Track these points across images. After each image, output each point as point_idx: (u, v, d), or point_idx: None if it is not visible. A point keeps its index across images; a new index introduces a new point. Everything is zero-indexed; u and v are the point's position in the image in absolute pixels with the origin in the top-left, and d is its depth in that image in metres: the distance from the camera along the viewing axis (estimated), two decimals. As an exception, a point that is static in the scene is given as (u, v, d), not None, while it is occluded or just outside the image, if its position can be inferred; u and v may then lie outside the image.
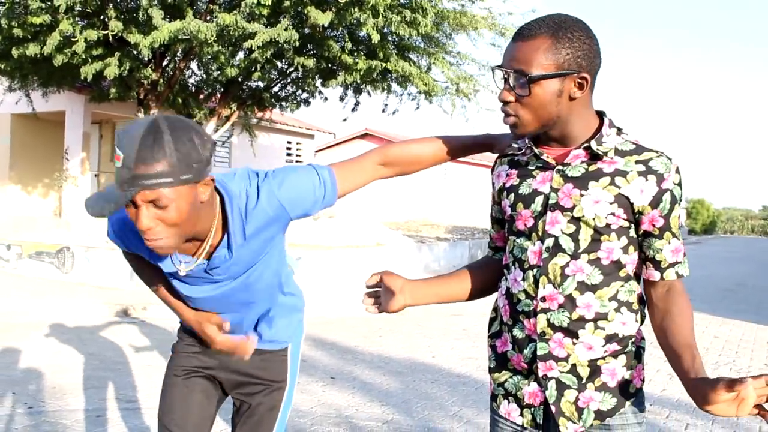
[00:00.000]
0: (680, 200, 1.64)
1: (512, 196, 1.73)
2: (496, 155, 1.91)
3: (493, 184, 1.85)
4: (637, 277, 1.71)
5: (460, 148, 1.99)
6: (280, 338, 2.20)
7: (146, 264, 2.03)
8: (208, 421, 2.22)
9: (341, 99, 12.28)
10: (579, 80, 1.59)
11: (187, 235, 1.74)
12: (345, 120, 13.04)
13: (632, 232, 1.64)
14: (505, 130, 1.77)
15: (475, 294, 1.95)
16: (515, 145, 1.77)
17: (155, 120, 1.63)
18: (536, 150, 1.68)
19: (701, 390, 1.43)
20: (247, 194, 1.83)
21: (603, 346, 1.64)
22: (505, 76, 1.62)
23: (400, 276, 1.89)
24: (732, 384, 1.34)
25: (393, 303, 1.85)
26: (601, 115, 1.70)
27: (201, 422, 2.18)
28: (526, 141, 1.72)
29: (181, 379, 2.18)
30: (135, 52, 10.01)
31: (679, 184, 1.62)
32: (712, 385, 1.38)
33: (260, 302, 2.10)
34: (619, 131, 1.67)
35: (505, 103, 1.64)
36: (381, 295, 1.89)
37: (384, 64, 9.91)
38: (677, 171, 1.62)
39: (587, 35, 1.60)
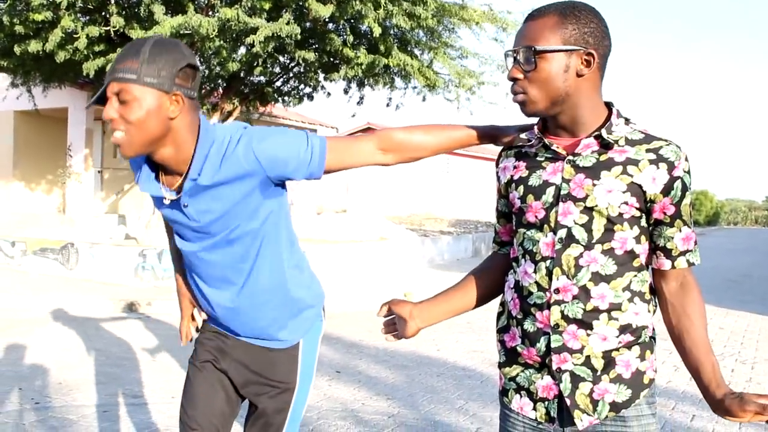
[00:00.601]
0: (690, 188, 1.64)
1: (521, 188, 1.72)
2: (500, 148, 1.90)
3: (499, 177, 1.84)
4: (649, 267, 1.71)
5: (465, 138, 1.97)
6: (286, 338, 2.16)
7: (172, 235, 2.16)
8: (229, 418, 2.18)
9: (346, 92, 12.26)
10: (586, 57, 1.60)
11: (146, 144, 1.82)
12: (354, 116, 13.02)
13: (643, 222, 1.64)
14: (512, 121, 1.77)
15: (483, 300, 1.97)
16: (523, 137, 1.76)
17: (157, 35, 1.87)
18: (546, 140, 1.67)
19: (725, 406, 1.51)
20: (230, 140, 1.88)
21: (617, 336, 1.63)
22: (515, 54, 1.64)
23: (406, 302, 1.93)
24: (758, 402, 1.45)
25: (407, 330, 1.91)
26: (609, 105, 1.69)
27: (223, 422, 2.15)
28: (535, 132, 1.71)
29: (203, 373, 2.16)
30: (137, 48, 10.00)
31: (689, 172, 1.62)
32: (739, 404, 1.47)
33: (261, 287, 2.06)
34: (627, 121, 1.67)
35: (515, 81, 1.65)
36: (396, 323, 1.94)
37: (386, 59, 9.89)
38: (686, 159, 1.62)
39: (595, 15, 1.62)
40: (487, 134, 1.94)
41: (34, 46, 9.26)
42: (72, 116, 14.41)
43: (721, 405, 1.52)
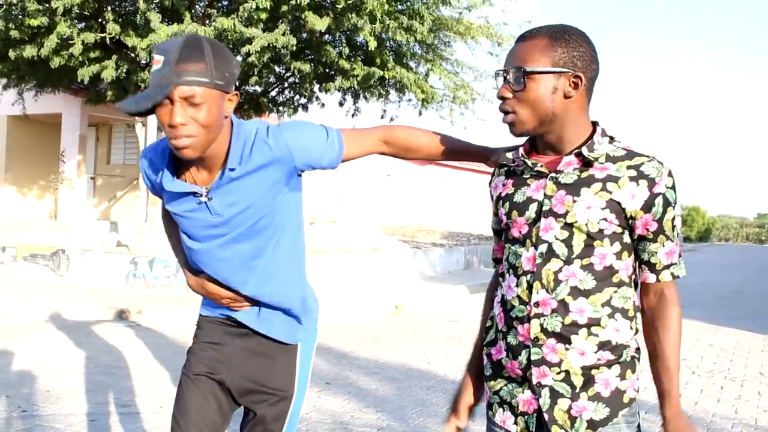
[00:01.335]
0: (675, 203, 1.67)
1: (507, 204, 1.77)
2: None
3: (491, 195, 1.89)
4: (636, 284, 1.73)
5: (458, 150, 2.07)
6: (293, 331, 2.20)
7: (175, 229, 2.15)
8: (221, 428, 2.19)
9: (341, 104, 12.29)
10: (574, 79, 1.64)
11: (208, 144, 1.85)
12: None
13: (626, 238, 1.67)
14: (503, 143, 1.81)
15: None
16: (509, 156, 1.81)
17: (195, 35, 1.82)
18: (529, 162, 1.72)
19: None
20: (257, 131, 1.94)
21: (596, 352, 1.65)
22: (504, 74, 1.69)
23: (459, 404, 2.02)
24: None
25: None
26: (595, 125, 1.73)
27: (214, 430, 2.16)
28: (520, 153, 1.76)
29: (195, 384, 2.16)
30: (132, 55, 10.01)
31: (673, 188, 1.65)
32: None
33: (275, 281, 2.09)
34: (612, 139, 1.71)
35: (503, 100, 1.69)
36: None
37: (381, 72, 9.92)
38: (669, 174, 1.65)
39: (584, 40, 1.67)
40: (479, 153, 2.03)
41: (29, 51, 9.26)
42: (66, 122, 14.40)
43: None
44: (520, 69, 1.64)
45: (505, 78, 1.69)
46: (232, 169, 1.90)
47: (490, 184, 1.91)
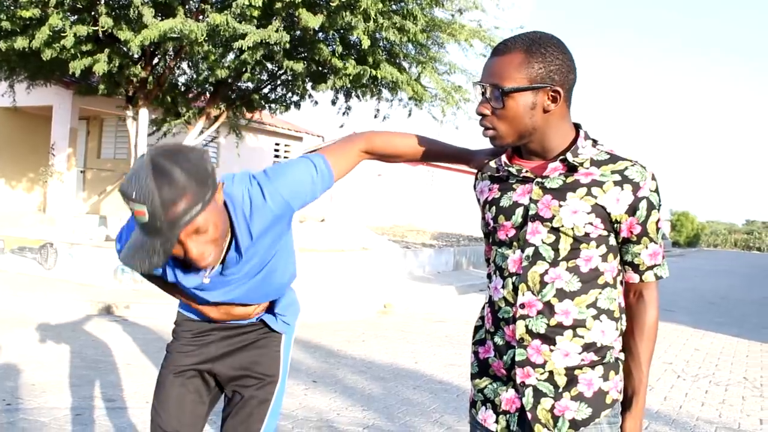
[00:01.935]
0: (659, 206, 1.69)
1: (494, 209, 1.78)
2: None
3: (478, 199, 1.90)
4: (622, 284, 1.76)
5: (438, 152, 2.06)
6: (283, 319, 2.28)
7: (178, 290, 2.11)
8: (201, 420, 2.25)
9: (333, 103, 12.28)
10: (552, 93, 1.64)
11: (224, 244, 1.83)
12: (342, 126, 13.03)
13: (612, 241, 1.69)
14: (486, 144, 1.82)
15: None
16: (493, 165, 1.82)
17: (153, 160, 1.64)
18: (512, 169, 1.74)
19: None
20: (250, 196, 1.89)
21: (580, 353, 1.67)
22: (482, 90, 1.69)
23: None
24: None
25: None
26: (577, 127, 1.75)
27: (194, 422, 2.22)
28: (503, 160, 1.77)
29: (176, 377, 2.20)
30: (125, 49, 9.98)
31: (656, 191, 1.68)
32: None
33: (272, 296, 2.20)
34: (595, 143, 1.73)
35: (483, 116, 1.70)
36: None
37: (374, 71, 9.93)
38: (653, 178, 1.67)
39: (561, 51, 1.66)
40: (460, 156, 2.02)
41: (20, 42, 9.21)
42: (56, 114, 14.33)
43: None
44: (498, 88, 1.64)
45: (483, 94, 1.69)
46: (245, 246, 1.90)
47: (474, 188, 1.93)
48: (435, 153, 2.05)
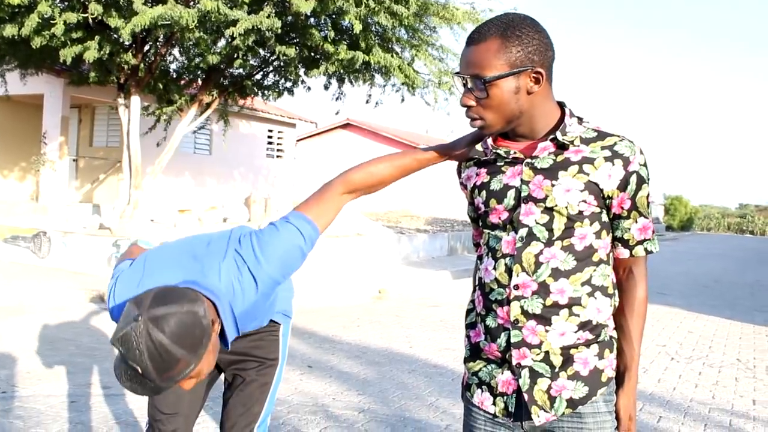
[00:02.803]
0: (648, 180, 1.70)
1: (484, 192, 1.76)
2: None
3: (465, 185, 1.87)
4: (610, 260, 1.76)
5: (421, 161, 1.93)
6: (282, 311, 2.33)
7: None
8: (198, 401, 2.28)
9: (326, 88, 12.24)
10: (534, 75, 1.63)
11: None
12: (338, 113, 12.96)
13: (604, 217, 1.70)
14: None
15: None
16: (479, 149, 1.80)
17: (146, 329, 1.55)
18: (500, 151, 1.72)
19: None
20: (242, 288, 1.79)
21: (575, 332, 1.67)
22: (464, 81, 1.66)
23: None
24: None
25: None
26: (561, 105, 1.74)
27: (192, 403, 2.24)
28: (490, 144, 1.75)
29: None
30: (115, 36, 9.91)
31: (645, 165, 1.69)
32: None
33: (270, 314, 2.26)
34: (580, 120, 1.72)
35: (468, 107, 1.68)
36: None
37: (366, 56, 9.89)
38: (641, 152, 1.68)
39: (536, 30, 1.64)
40: (441, 153, 1.89)
41: (9, 30, 9.15)
42: (48, 103, 14.23)
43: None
44: (480, 78, 1.62)
45: (464, 85, 1.67)
46: (228, 342, 1.82)
47: (459, 175, 1.89)
48: (415, 163, 1.92)
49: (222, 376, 2.37)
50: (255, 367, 2.26)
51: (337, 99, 12.38)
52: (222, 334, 1.78)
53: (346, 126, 27.35)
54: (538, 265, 1.66)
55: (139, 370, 1.55)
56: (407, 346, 6.56)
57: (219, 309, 1.74)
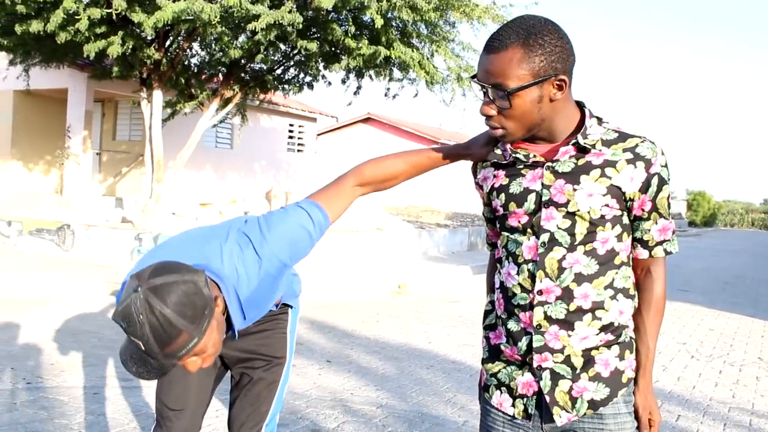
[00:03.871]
0: (668, 180, 1.68)
1: (503, 195, 1.73)
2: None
3: (481, 186, 1.85)
4: (631, 261, 1.75)
5: (436, 160, 1.93)
6: (289, 295, 2.34)
7: None
8: (206, 397, 2.29)
9: (343, 82, 12.26)
10: (557, 83, 1.60)
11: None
12: (350, 104, 13.00)
13: (625, 219, 1.68)
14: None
15: None
16: (498, 152, 1.76)
17: (146, 300, 1.54)
18: (520, 155, 1.69)
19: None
20: (246, 270, 1.80)
21: (597, 335, 1.66)
22: (484, 90, 1.63)
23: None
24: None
25: None
26: (580, 106, 1.71)
27: (199, 398, 2.25)
28: (507, 147, 1.72)
29: None
30: (138, 31, 9.99)
31: (666, 166, 1.67)
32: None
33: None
34: (600, 121, 1.70)
35: (489, 116, 1.65)
36: None
37: (387, 51, 9.88)
38: (663, 153, 1.66)
39: (558, 36, 1.59)
40: (456, 153, 1.90)
41: (35, 26, 9.25)
42: (72, 97, 14.39)
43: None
44: (503, 89, 1.58)
45: (485, 93, 1.63)
46: (235, 329, 1.86)
47: (475, 175, 1.87)
48: (431, 162, 1.93)
49: (229, 373, 2.38)
50: (262, 366, 2.26)
51: (354, 93, 12.40)
52: (228, 321, 1.80)
53: (366, 120, 27.36)
54: (561, 270, 1.64)
55: (141, 345, 1.55)
56: (426, 341, 6.57)
57: (222, 290, 1.75)
